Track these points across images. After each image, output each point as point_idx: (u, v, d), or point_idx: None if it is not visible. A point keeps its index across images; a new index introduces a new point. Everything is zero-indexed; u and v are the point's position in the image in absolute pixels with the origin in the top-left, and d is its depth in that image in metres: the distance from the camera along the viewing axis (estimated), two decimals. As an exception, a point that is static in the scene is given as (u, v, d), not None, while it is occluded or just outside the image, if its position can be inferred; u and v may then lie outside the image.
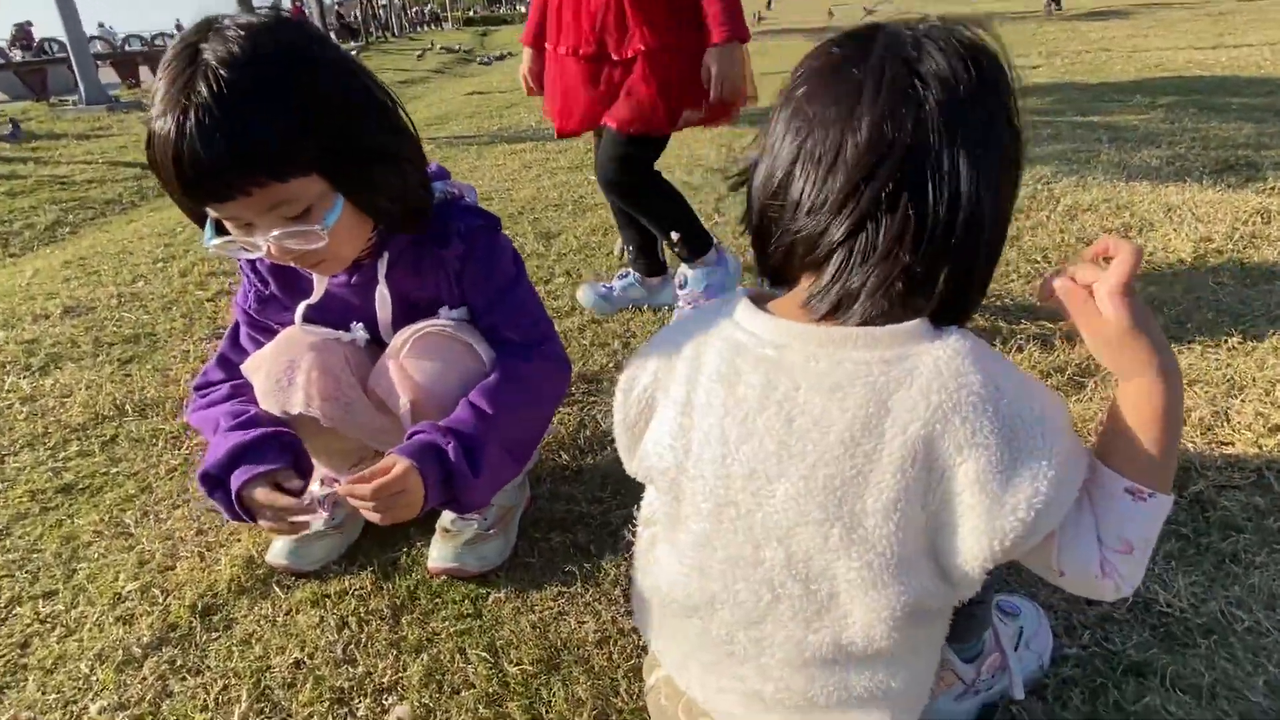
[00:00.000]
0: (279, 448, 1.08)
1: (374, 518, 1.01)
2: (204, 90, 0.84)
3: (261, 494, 1.04)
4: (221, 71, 0.85)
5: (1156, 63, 6.32)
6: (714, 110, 1.90)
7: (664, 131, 1.93)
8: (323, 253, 1.02)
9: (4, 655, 1.17)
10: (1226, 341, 1.80)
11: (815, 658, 0.73)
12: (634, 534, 0.95)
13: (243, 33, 0.88)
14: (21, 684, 1.12)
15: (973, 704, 0.96)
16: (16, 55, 18.41)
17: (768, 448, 0.71)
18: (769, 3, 27.06)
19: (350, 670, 1.09)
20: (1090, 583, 0.70)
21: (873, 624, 0.69)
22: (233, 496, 1.05)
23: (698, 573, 0.79)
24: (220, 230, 0.98)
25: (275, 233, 0.95)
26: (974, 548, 0.66)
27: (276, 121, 0.88)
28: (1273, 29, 8.20)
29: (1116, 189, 2.99)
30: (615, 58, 1.82)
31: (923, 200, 0.63)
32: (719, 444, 0.75)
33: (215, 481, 1.06)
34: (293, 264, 1.06)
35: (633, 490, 1.42)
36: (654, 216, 2.10)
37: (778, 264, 0.76)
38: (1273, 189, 2.82)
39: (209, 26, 0.90)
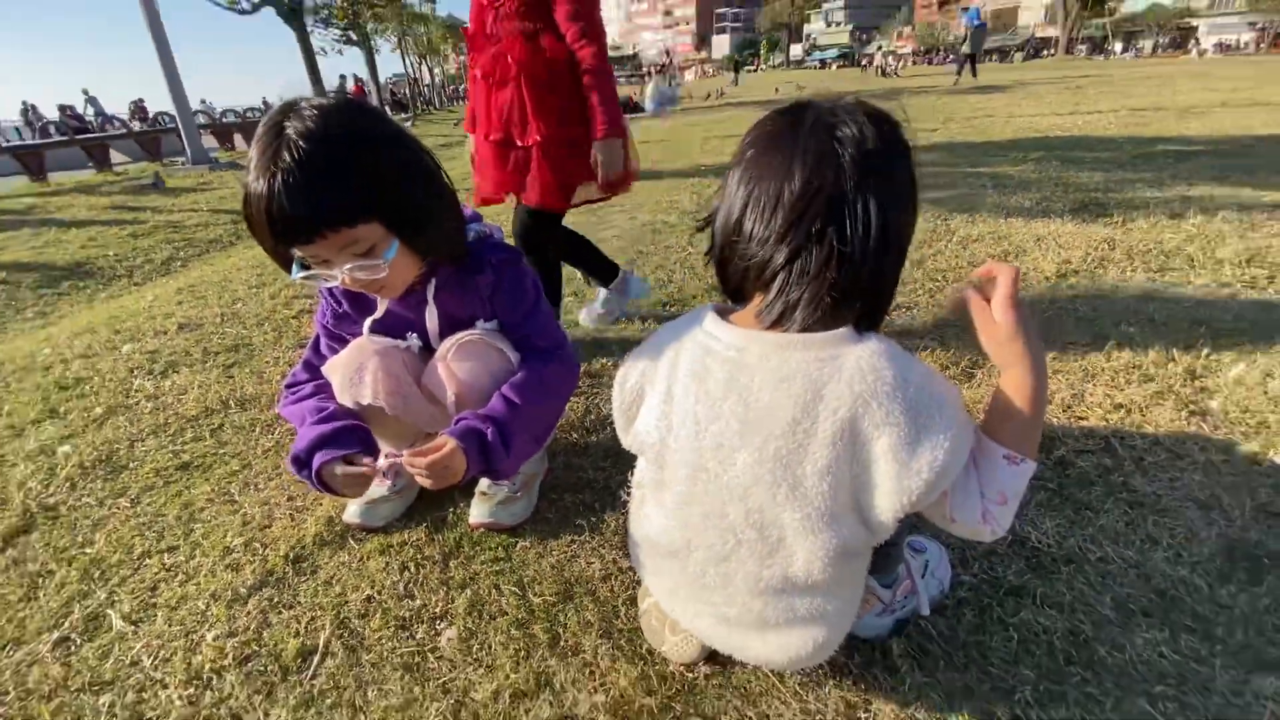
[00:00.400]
0: (353, 437, 1.09)
1: (426, 483, 1.02)
2: (288, 158, 0.85)
3: (339, 469, 1.05)
4: (301, 144, 0.85)
5: (1028, 126, 6.36)
6: (607, 187, 1.86)
7: (561, 208, 1.89)
8: (383, 281, 1.02)
9: (139, 597, 1.16)
10: (1082, 340, 1.83)
11: (769, 588, 0.74)
12: (629, 495, 0.96)
13: (317, 112, 0.89)
14: (153, 619, 1.11)
15: (890, 619, 0.98)
16: (136, 125, 18.16)
17: (731, 426, 0.72)
18: (735, 79, 27.26)
19: (410, 603, 1.10)
20: (975, 528, 0.72)
21: (812, 561, 0.71)
22: (313, 474, 1.06)
23: (679, 523, 0.80)
24: (304, 266, 0.98)
25: (347, 266, 0.96)
26: (888, 502, 0.68)
27: (345, 182, 0.89)
28: (1117, 99, 8.29)
29: (998, 224, 3.01)
30: (519, 144, 1.77)
31: (843, 233, 0.66)
32: (693, 423, 0.76)
33: (302, 463, 1.07)
34: (361, 290, 1.06)
35: (628, 461, 1.43)
36: (550, 268, 2.05)
37: (735, 285, 0.77)
38: (1117, 223, 2.85)
39: (290, 108, 0.90)
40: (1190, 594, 1.00)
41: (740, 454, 0.72)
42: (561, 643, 1.00)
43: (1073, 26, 44.30)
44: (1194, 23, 49.48)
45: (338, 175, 0.88)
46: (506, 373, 1.14)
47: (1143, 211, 2.98)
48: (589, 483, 1.39)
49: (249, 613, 1.10)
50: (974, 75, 14.07)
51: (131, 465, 1.59)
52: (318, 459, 1.05)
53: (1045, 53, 48.05)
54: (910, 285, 2.32)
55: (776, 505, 0.70)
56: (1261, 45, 39.00)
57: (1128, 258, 2.42)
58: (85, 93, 19.68)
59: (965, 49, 14.39)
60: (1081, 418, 1.47)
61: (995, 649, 0.94)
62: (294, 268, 0.98)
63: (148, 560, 1.25)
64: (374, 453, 1.13)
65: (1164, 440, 1.36)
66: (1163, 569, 1.05)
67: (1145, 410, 1.47)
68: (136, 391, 1.98)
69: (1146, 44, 49.10)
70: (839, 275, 0.66)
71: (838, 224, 0.65)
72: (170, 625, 1.09)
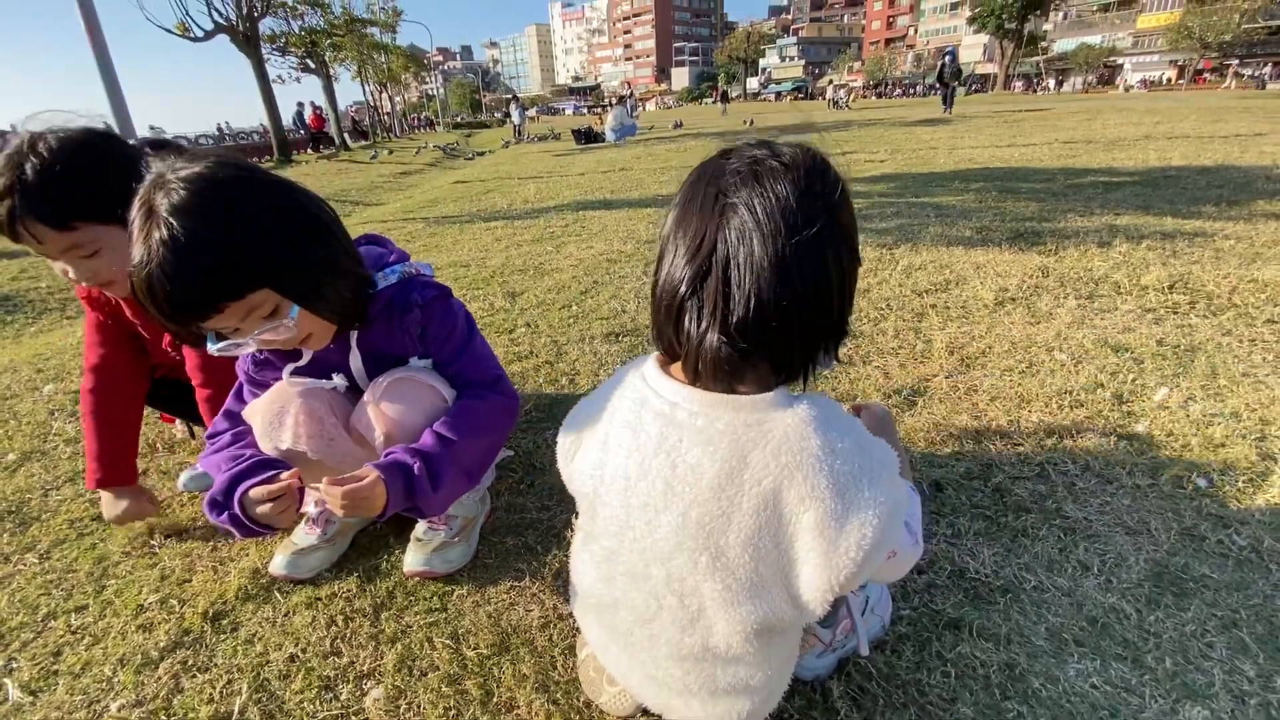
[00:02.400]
0: (269, 468, 1.04)
1: (339, 511, 0.97)
2: (158, 239, 0.81)
3: (256, 492, 0.99)
4: (173, 221, 0.81)
5: (969, 157, 6.64)
6: None
7: None
8: (299, 339, 0.99)
9: (39, 663, 1.08)
10: (1018, 366, 1.88)
11: (690, 655, 0.72)
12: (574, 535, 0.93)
13: (184, 184, 0.83)
14: (53, 688, 1.03)
15: (831, 659, 0.96)
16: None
17: (657, 486, 0.69)
18: (724, 110, 24.87)
19: (336, 661, 1.04)
20: (911, 557, 0.74)
21: (731, 634, 0.69)
22: (236, 505, 1.00)
23: (604, 580, 0.78)
24: (218, 336, 0.94)
25: (256, 332, 0.93)
26: (816, 582, 0.64)
27: (224, 257, 0.85)
28: (1051, 132, 8.74)
29: (940, 252, 3.10)
30: None
31: (727, 292, 0.62)
32: (623, 478, 0.73)
33: (220, 505, 1.01)
34: (280, 349, 1.03)
35: (573, 501, 1.40)
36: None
37: (661, 335, 0.72)
38: (1050, 251, 2.97)
39: (160, 181, 0.85)
40: (1120, 621, 1.02)
41: (664, 516, 0.69)
42: (495, 699, 0.96)
43: (1009, 64, 46.91)
44: (1119, 61, 53.00)
45: (215, 251, 0.84)
46: (440, 411, 1.11)
47: (1074, 240, 3.11)
48: (532, 523, 1.35)
49: (159, 678, 1.03)
50: (949, 108, 14.74)
51: (44, 517, 1.49)
52: (237, 493, 1.00)
53: (972, 86, 50.71)
54: (855, 314, 2.37)
55: (697, 574, 0.68)
56: (1181, 81, 42.01)
57: (1060, 285, 2.51)
58: None
59: (949, 80, 14.96)
60: (1018, 444, 1.50)
61: (934, 686, 0.93)
62: (209, 339, 0.93)
63: (52, 622, 1.16)
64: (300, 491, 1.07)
65: (1094, 465, 1.40)
66: (1094, 596, 1.06)
67: (1076, 436, 1.51)
68: (55, 435, 1.87)
69: (1077, 80, 52.38)
70: (726, 336, 0.63)
71: (723, 283, 0.62)
72: (72, 695, 1.01)
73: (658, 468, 0.69)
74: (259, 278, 0.89)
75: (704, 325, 0.64)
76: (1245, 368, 1.77)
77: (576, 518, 0.92)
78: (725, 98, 31.55)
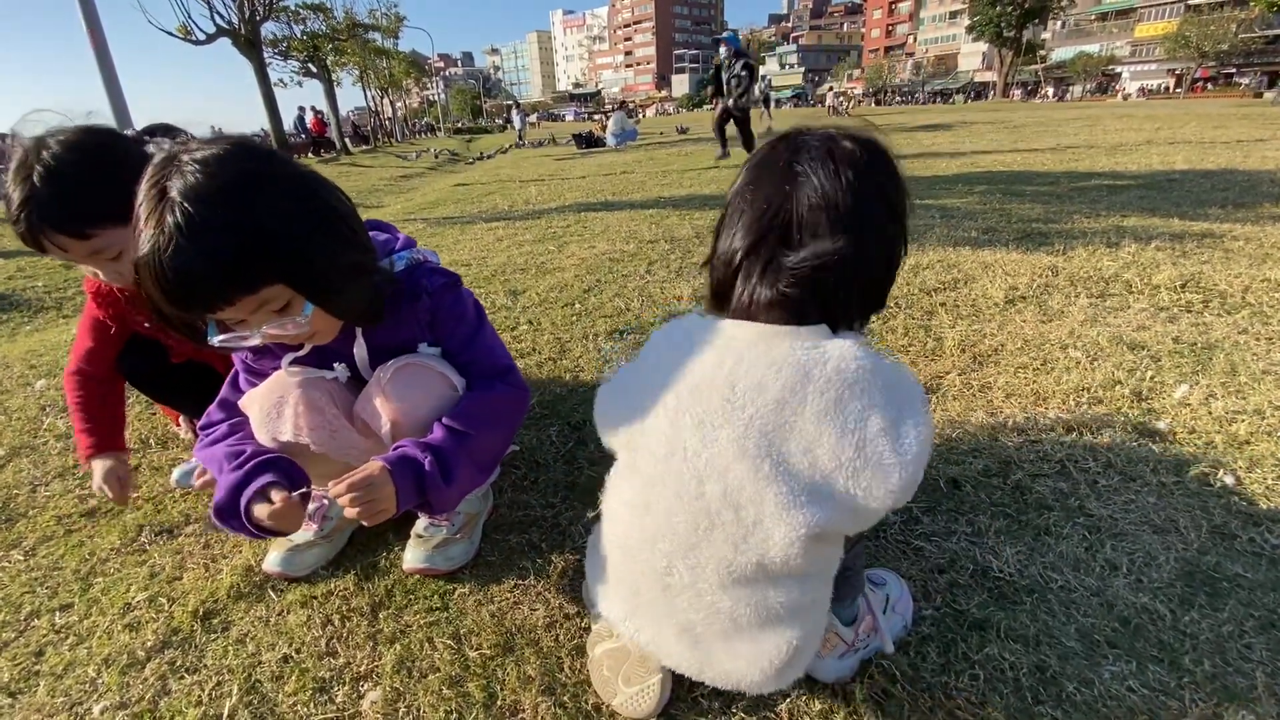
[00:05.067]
0: (272, 467, 0.98)
1: (352, 513, 0.91)
2: (171, 224, 0.76)
3: (259, 510, 0.94)
4: (186, 206, 0.76)
5: (972, 161, 6.62)
6: None
7: None
8: (309, 334, 0.95)
9: (20, 663, 1.03)
10: (1032, 364, 1.83)
11: (741, 577, 0.73)
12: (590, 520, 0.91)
13: (200, 169, 0.78)
14: (33, 689, 0.98)
15: (854, 660, 0.92)
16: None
17: (714, 403, 0.73)
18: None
19: (332, 661, 0.99)
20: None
21: (791, 542, 0.70)
22: (245, 520, 0.95)
23: (643, 508, 0.78)
24: (220, 326, 0.89)
25: (264, 327, 0.88)
26: (882, 481, 0.68)
27: (240, 246, 0.79)
28: (1052, 138, 8.74)
29: (947, 252, 3.07)
30: None
31: (787, 247, 0.73)
32: (674, 400, 0.76)
33: (227, 512, 0.96)
34: (286, 343, 0.98)
35: (579, 497, 1.36)
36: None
37: (717, 288, 0.80)
38: (1058, 250, 2.93)
39: (172, 162, 0.79)
40: (1154, 622, 0.97)
41: (723, 430, 0.72)
42: (499, 702, 0.91)
43: (1008, 72, 47.15)
44: (1118, 69, 53.30)
45: (231, 240, 0.78)
46: (449, 400, 1.06)
47: (1081, 240, 3.07)
48: (536, 520, 1.30)
49: (145, 679, 0.98)
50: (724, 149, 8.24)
51: (31, 513, 1.44)
52: (244, 501, 0.94)
53: (955, 96, 50.88)
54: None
55: (759, 480, 0.70)
56: (1179, 89, 42.27)
57: (1070, 284, 2.47)
58: None
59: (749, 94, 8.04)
60: (1036, 441, 1.46)
61: (961, 688, 0.88)
62: (210, 329, 0.88)
63: (35, 621, 1.12)
64: (300, 479, 1.01)
65: (1116, 462, 1.35)
66: (1125, 596, 1.02)
67: (1096, 433, 1.47)
68: (46, 431, 1.82)
69: (1076, 89, 52.71)
70: (782, 280, 0.72)
71: (786, 238, 0.73)
72: (53, 696, 0.96)
73: (715, 387, 0.74)
74: (275, 271, 0.84)
75: (761, 274, 0.73)
76: (1265, 365, 1.73)
77: (596, 506, 0.88)
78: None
